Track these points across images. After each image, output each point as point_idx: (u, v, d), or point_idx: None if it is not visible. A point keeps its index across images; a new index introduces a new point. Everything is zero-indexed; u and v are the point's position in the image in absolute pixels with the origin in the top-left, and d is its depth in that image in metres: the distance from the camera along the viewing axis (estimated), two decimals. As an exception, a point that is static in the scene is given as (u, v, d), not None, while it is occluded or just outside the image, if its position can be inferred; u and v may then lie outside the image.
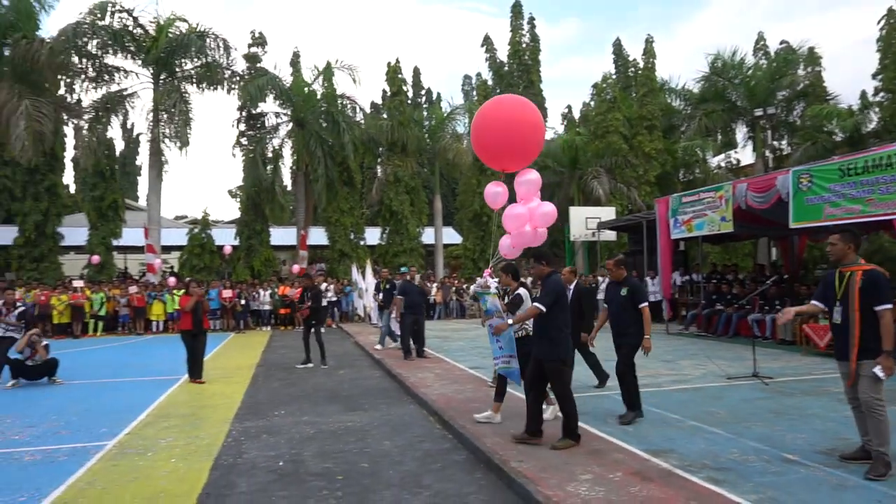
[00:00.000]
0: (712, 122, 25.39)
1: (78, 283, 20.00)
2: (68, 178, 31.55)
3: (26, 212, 23.26)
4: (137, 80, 23.67)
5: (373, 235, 28.33)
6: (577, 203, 26.66)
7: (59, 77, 23.32)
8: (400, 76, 28.59)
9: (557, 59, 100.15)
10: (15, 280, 21.17)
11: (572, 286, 7.94)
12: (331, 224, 25.97)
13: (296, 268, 23.04)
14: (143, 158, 53.13)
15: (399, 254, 26.41)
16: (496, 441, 5.75)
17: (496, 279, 6.73)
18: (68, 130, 25.60)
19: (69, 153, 27.46)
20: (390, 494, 4.76)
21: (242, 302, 20.33)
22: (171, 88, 23.19)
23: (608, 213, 22.05)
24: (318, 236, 27.75)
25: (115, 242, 25.32)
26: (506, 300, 6.57)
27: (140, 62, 23.43)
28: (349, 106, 26.78)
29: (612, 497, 4.26)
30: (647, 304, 6.47)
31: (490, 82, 32.50)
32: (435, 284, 23.24)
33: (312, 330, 11.68)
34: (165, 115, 23.45)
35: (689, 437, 5.77)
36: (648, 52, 29.39)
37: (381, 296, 14.02)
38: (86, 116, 23.88)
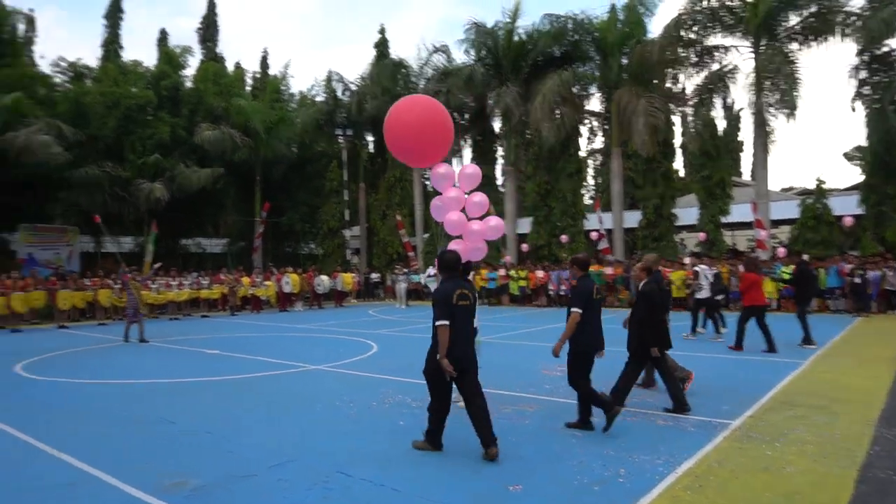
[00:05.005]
0: None
1: (687, 261, 21.25)
2: (678, 163, 34.14)
3: (646, 197, 26.23)
4: (737, 54, 23.38)
5: None
6: None
7: (666, 71, 25.29)
8: None
9: None
10: (639, 259, 24.12)
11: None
12: None
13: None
14: (744, 134, 52.79)
15: None
16: None
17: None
18: (675, 119, 27.62)
19: (677, 140, 29.66)
20: None
21: (857, 280, 17.41)
22: (774, 52, 21.81)
23: None
24: None
25: (722, 220, 25.78)
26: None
27: (739, 34, 23.02)
28: None
29: None
30: (575, 310, 5.78)
31: None
32: None
33: None
34: (768, 83, 22.28)
35: None
36: None
37: None
38: (690, 102, 25.19)
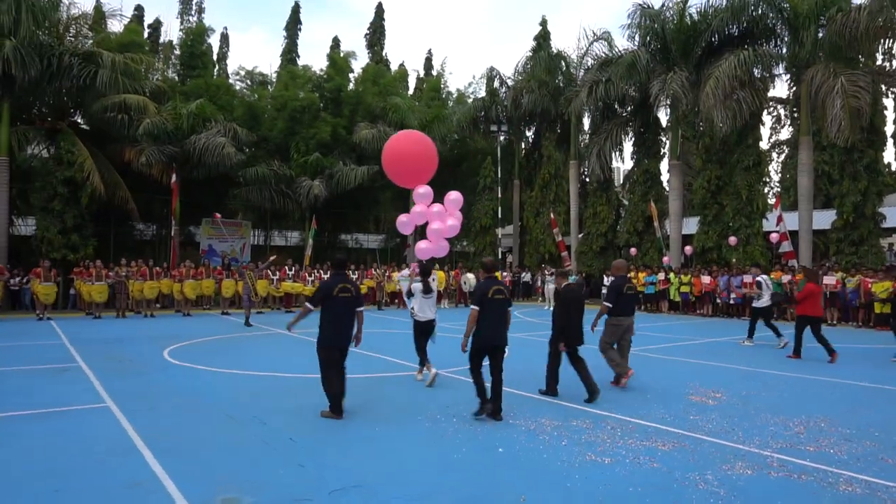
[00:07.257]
0: None
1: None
2: (888, 153, 28.77)
3: (843, 193, 22.29)
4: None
5: None
6: None
7: (876, 43, 21.18)
8: None
9: None
10: (832, 266, 20.52)
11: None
12: None
13: None
14: (983, 119, 43.49)
15: None
16: None
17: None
18: (888, 102, 23.10)
19: (889, 127, 24.79)
20: None
21: None
22: None
23: None
24: None
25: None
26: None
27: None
28: None
29: None
30: (473, 307, 6.73)
31: None
32: None
33: None
34: None
35: None
36: None
37: None
38: (908, 80, 20.89)
